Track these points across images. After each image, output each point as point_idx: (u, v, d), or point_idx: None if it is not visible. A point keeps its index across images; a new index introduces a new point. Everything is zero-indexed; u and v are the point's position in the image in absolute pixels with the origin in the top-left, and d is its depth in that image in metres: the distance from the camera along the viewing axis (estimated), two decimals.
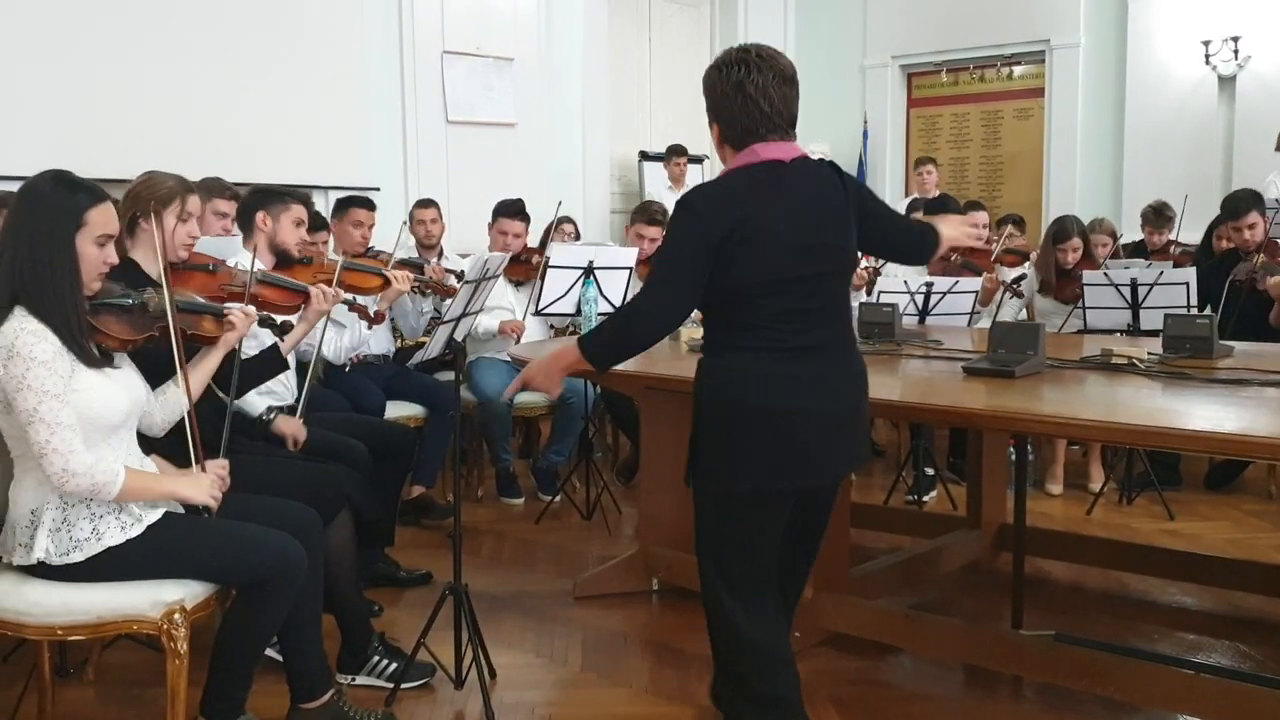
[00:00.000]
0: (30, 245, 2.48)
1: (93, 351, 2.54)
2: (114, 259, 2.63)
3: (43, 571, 2.53)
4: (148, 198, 3.02)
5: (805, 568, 2.85)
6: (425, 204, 5.97)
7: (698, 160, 9.37)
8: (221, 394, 3.06)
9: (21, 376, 2.40)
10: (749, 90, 2.44)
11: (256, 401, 3.62)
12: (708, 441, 2.54)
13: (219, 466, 2.74)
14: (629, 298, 2.71)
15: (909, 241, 2.87)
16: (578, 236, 6.12)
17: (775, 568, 2.65)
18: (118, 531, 2.55)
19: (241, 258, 3.70)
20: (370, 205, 5.29)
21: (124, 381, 2.64)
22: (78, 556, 2.51)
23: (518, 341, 5.20)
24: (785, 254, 2.43)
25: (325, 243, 5.04)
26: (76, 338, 2.49)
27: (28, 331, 2.42)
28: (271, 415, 3.63)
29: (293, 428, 3.62)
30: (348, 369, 4.82)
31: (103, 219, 2.56)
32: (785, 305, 2.45)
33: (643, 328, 2.58)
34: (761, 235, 2.41)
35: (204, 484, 2.65)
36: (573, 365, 2.69)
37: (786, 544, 2.67)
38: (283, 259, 3.84)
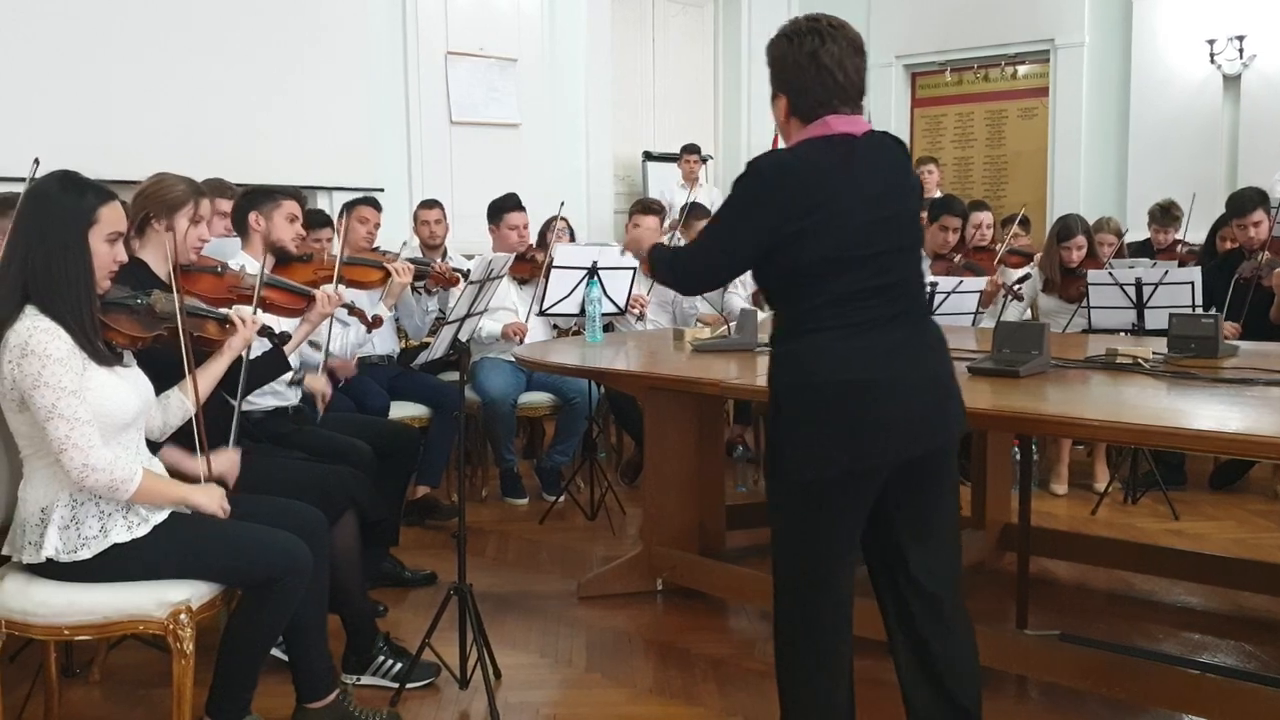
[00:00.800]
0: (43, 244, 2.49)
1: (103, 350, 2.55)
2: (123, 256, 2.65)
3: (50, 571, 2.54)
4: (159, 199, 3.03)
5: (933, 561, 2.49)
6: (429, 204, 5.98)
7: (705, 160, 9.37)
8: (227, 396, 3.07)
9: (38, 374, 2.41)
10: (824, 60, 2.35)
11: (261, 401, 3.63)
12: (791, 429, 2.40)
13: (232, 457, 2.78)
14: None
15: None
16: (572, 235, 6.13)
17: (853, 567, 2.49)
18: (124, 531, 2.56)
19: (241, 259, 3.70)
20: (377, 205, 5.31)
21: (133, 381, 2.66)
22: (85, 554, 2.52)
23: (521, 343, 5.21)
24: (858, 230, 2.33)
25: (329, 240, 5.04)
26: (89, 335, 2.51)
27: (41, 330, 2.43)
28: (301, 374, 3.64)
29: (320, 384, 3.64)
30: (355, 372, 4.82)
31: (113, 216, 2.58)
32: (858, 283, 2.34)
33: (686, 279, 2.67)
34: (834, 211, 2.32)
35: (215, 495, 2.68)
36: (644, 242, 2.93)
37: (891, 544, 2.49)
38: (281, 257, 3.84)
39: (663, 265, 2.70)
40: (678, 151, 8.82)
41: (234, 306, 3.07)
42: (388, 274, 4.20)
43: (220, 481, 2.81)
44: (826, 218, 2.31)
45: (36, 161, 3.31)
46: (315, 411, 3.68)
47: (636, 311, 5.56)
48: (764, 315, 5.39)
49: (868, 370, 2.33)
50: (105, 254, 2.57)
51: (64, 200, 2.53)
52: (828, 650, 2.49)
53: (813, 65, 2.36)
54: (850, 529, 2.45)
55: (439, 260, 5.51)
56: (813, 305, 2.36)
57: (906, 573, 2.48)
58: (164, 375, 2.79)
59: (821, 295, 2.35)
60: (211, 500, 2.66)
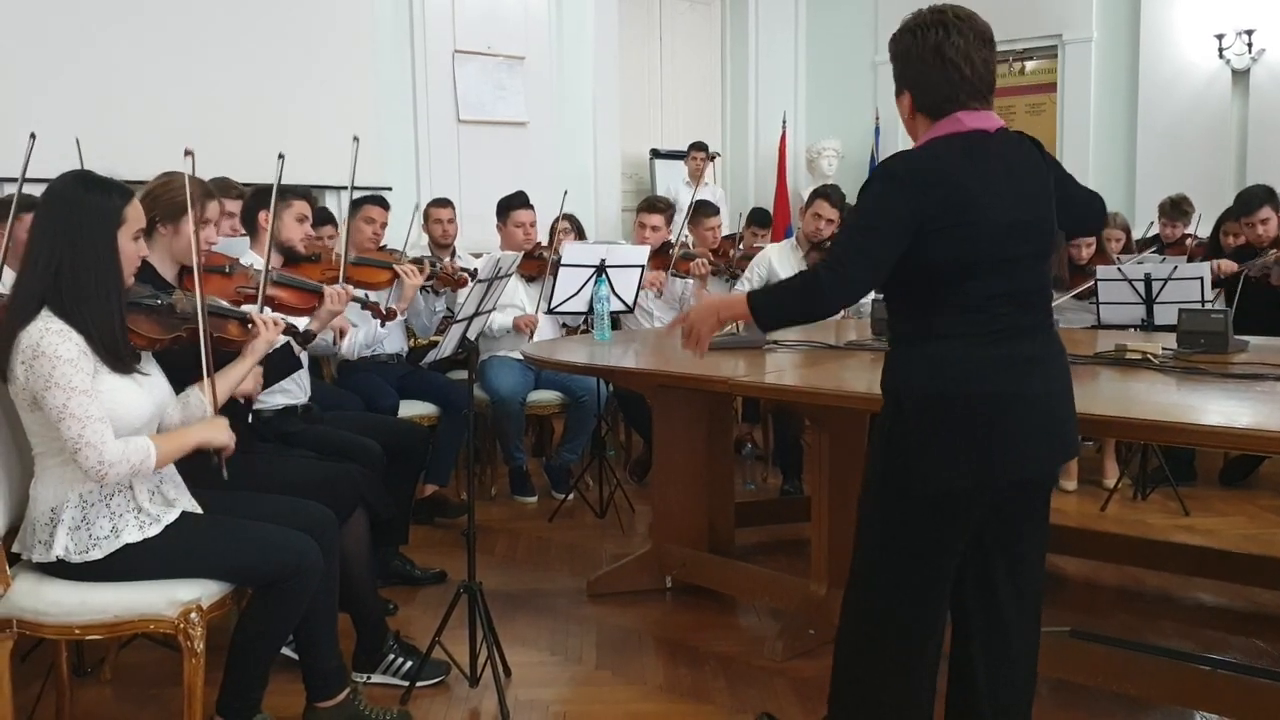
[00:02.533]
0: (73, 250, 2.49)
1: (123, 354, 2.56)
2: (146, 251, 2.67)
3: (61, 570, 2.55)
4: (166, 202, 3.03)
5: (1018, 602, 2.41)
6: (442, 203, 5.96)
7: (713, 157, 9.37)
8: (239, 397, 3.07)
9: (49, 375, 2.42)
10: (948, 53, 2.23)
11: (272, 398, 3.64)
12: (907, 440, 2.28)
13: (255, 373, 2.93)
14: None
15: (1089, 210, 2.66)
16: (581, 234, 6.14)
17: (948, 597, 2.40)
18: (135, 530, 2.56)
19: (250, 259, 3.71)
20: (384, 204, 5.31)
21: (150, 387, 2.66)
22: (96, 554, 2.53)
23: (531, 337, 5.22)
24: (993, 233, 2.21)
25: (331, 238, 5.04)
26: (116, 337, 2.52)
27: (53, 331, 2.44)
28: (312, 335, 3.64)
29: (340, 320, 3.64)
30: (359, 370, 4.84)
31: (136, 214, 2.61)
32: (990, 288, 2.23)
33: (820, 301, 2.35)
34: (969, 212, 2.19)
35: (222, 426, 2.70)
36: (737, 316, 2.62)
37: (980, 564, 2.40)
38: (289, 256, 3.85)
39: (788, 297, 2.43)
40: (685, 149, 8.83)
41: (250, 307, 3.07)
42: (396, 275, 4.20)
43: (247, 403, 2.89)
44: (962, 219, 2.20)
45: (33, 136, 3.31)
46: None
47: (656, 289, 5.61)
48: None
49: (999, 383, 2.23)
50: (132, 251, 2.59)
51: (90, 201, 2.53)
52: (899, 663, 2.42)
53: (937, 59, 2.24)
54: (952, 551, 2.35)
55: (446, 260, 5.52)
56: (943, 308, 2.25)
57: (991, 593, 2.41)
58: (186, 375, 2.79)
59: (952, 299, 2.24)
60: (220, 432, 2.68)
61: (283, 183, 4.00)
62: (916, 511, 2.31)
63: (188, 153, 2.79)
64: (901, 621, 2.39)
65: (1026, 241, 2.27)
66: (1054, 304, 5.43)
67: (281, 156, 3.33)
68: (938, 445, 2.24)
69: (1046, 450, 2.32)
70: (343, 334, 3.74)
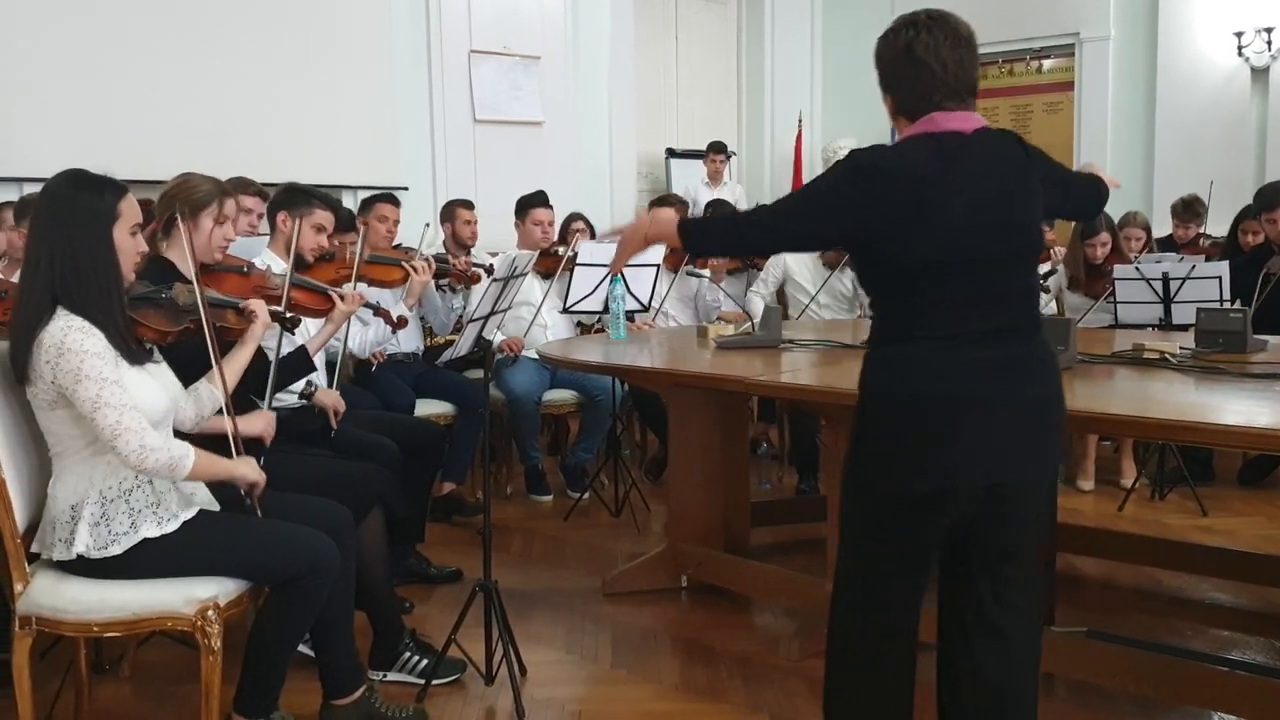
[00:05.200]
0: (70, 247, 2.51)
1: (133, 347, 2.59)
2: (144, 247, 2.70)
3: (80, 568, 2.56)
4: (184, 200, 3.05)
5: (1008, 594, 2.37)
6: (468, 204, 5.96)
7: (730, 157, 9.37)
8: (255, 398, 3.09)
9: (78, 369, 2.44)
10: (918, 52, 2.24)
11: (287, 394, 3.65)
12: (871, 440, 2.30)
13: (267, 417, 2.96)
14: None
15: (1085, 197, 2.67)
16: (592, 234, 6.15)
17: (924, 590, 2.40)
18: (154, 526, 2.58)
19: (266, 257, 3.72)
20: (395, 201, 5.33)
21: (163, 378, 2.69)
22: (116, 549, 2.54)
23: (515, 360, 5.23)
24: (961, 233, 2.19)
25: (352, 244, 5.06)
26: (122, 332, 2.54)
27: (75, 328, 2.46)
28: (312, 389, 3.66)
29: (332, 399, 3.66)
30: (374, 368, 4.85)
31: (131, 209, 2.62)
32: (960, 290, 2.22)
33: (753, 235, 2.49)
34: (935, 212, 2.18)
35: (254, 465, 2.73)
36: (664, 237, 2.60)
37: (963, 570, 2.39)
38: (298, 261, 3.86)
39: (717, 229, 2.58)
40: (701, 148, 8.83)
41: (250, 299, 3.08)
42: (408, 274, 4.21)
43: (259, 443, 2.94)
44: (922, 220, 2.19)
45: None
46: (330, 428, 3.67)
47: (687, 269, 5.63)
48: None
49: (961, 387, 2.21)
50: (129, 247, 2.61)
51: (83, 199, 2.55)
52: (873, 667, 2.42)
53: (907, 59, 2.26)
54: (920, 551, 2.35)
55: (462, 257, 5.53)
56: (908, 311, 2.26)
57: (975, 601, 2.38)
58: (189, 369, 2.81)
59: (918, 300, 2.24)
60: (252, 469, 2.71)
61: (303, 185, 4.03)
62: (881, 512, 2.32)
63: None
64: (871, 620, 2.40)
65: (1001, 243, 2.25)
66: (1068, 304, 5.43)
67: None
68: (898, 447, 2.26)
69: (1019, 456, 2.27)
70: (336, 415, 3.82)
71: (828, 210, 2.30)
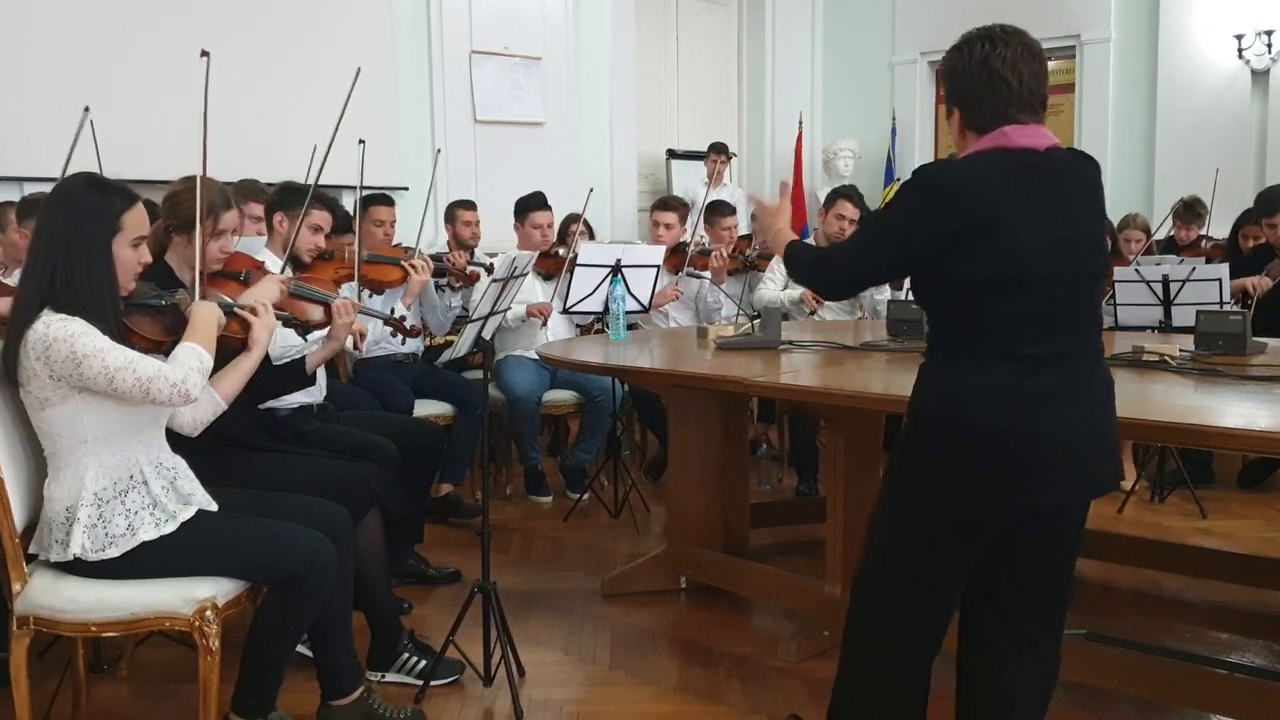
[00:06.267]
0: (68, 253, 2.51)
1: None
2: (148, 259, 2.68)
3: (78, 568, 2.56)
4: (182, 213, 3.03)
5: (1036, 607, 2.37)
6: (469, 205, 5.96)
7: (731, 158, 9.36)
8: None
9: (72, 353, 2.44)
10: (995, 66, 2.21)
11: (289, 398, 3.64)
12: (922, 459, 2.26)
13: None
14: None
15: None
16: (591, 235, 6.15)
17: (953, 609, 2.39)
18: (151, 528, 2.57)
19: (263, 256, 3.70)
20: (390, 202, 5.32)
21: None
22: (113, 552, 2.54)
23: (545, 324, 5.23)
24: (1030, 251, 2.15)
25: (349, 245, 5.06)
26: (112, 337, 2.52)
27: (56, 320, 2.46)
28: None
29: (359, 324, 3.53)
30: (375, 369, 4.84)
31: (137, 221, 2.60)
32: (1023, 309, 2.17)
33: (829, 281, 2.54)
34: (1004, 228, 2.14)
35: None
36: (780, 235, 2.69)
37: (993, 586, 2.37)
38: (295, 264, 3.85)
39: (804, 266, 2.57)
40: (702, 149, 8.83)
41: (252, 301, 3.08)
42: (406, 273, 4.20)
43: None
44: (991, 235, 2.15)
45: None
46: (356, 351, 3.61)
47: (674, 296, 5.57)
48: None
49: (1022, 418, 2.17)
50: (129, 259, 2.60)
51: (88, 205, 2.54)
52: (892, 682, 2.41)
53: (983, 72, 2.22)
54: (957, 571, 2.34)
55: (461, 256, 5.53)
56: (972, 326, 2.22)
57: (1002, 617, 2.38)
58: None
59: (981, 316, 2.20)
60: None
61: (301, 185, 4.03)
62: (923, 532, 2.29)
63: (204, 53, 2.84)
64: (898, 637, 2.38)
65: (1069, 262, 2.21)
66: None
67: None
68: (950, 471, 2.22)
69: (1069, 482, 2.25)
70: (363, 336, 3.72)
71: (902, 235, 2.26)
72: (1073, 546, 2.40)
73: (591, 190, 5.81)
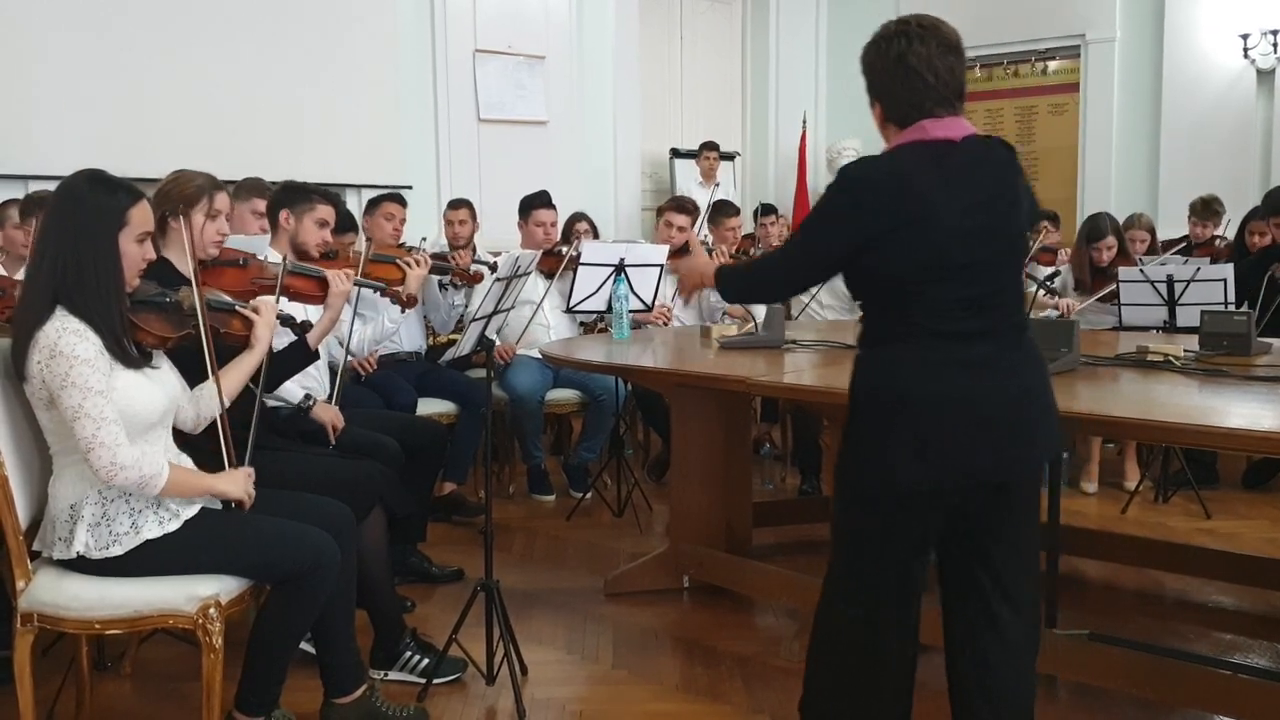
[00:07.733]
0: (74, 247, 2.51)
1: (132, 352, 2.57)
2: (152, 255, 2.67)
3: (81, 566, 2.56)
4: (175, 197, 3.04)
5: (1008, 586, 2.38)
6: (455, 204, 6.00)
7: (729, 157, 9.37)
8: (252, 385, 3.08)
9: (65, 374, 2.43)
10: (911, 62, 2.27)
11: (294, 390, 3.64)
12: (861, 438, 2.34)
13: (247, 473, 2.76)
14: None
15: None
16: (595, 234, 6.14)
17: (918, 589, 2.40)
18: (155, 526, 2.58)
19: (267, 255, 3.70)
20: (402, 201, 5.33)
21: (161, 380, 2.68)
22: (117, 550, 2.54)
23: (507, 365, 5.22)
24: (951, 239, 2.22)
25: (352, 244, 5.07)
26: (119, 337, 2.53)
27: (70, 331, 2.46)
28: (310, 402, 3.65)
29: (330, 415, 3.65)
30: (362, 380, 4.83)
31: (142, 217, 2.60)
32: (949, 294, 2.25)
33: (766, 287, 2.74)
34: (926, 220, 2.21)
35: (239, 479, 2.69)
36: (706, 266, 2.80)
37: (964, 566, 2.40)
38: (303, 258, 3.85)
39: (737, 281, 2.68)
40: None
41: (266, 298, 3.08)
42: (405, 270, 4.20)
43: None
44: (915, 226, 2.22)
45: None
46: (328, 441, 3.67)
47: (662, 322, 5.54)
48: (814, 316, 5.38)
49: (946, 384, 2.24)
50: (135, 254, 2.60)
51: (94, 201, 2.54)
52: (862, 668, 2.42)
53: (900, 69, 2.28)
54: (912, 549, 2.36)
55: (463, 255, 5.53)
56: (897, 313, 2.29)
57: (977, 595, 2.39)
58: (199, 370, 2.80)
59: (907, 303, 2.27)
60: (235, 486, 2.68)
61: (307, 183, 4.03)
62: (871, 511, 2.35)
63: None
64: (863, 622, 2.40)
65: (987, 245, 2.28)
66: (1080, 308, 5.43)
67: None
68: (887, 444, 2.28)
69: (1006, 452, 2.29)
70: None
71: (830, 231, 2.34)
72: (1032, 516, 2.43)
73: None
